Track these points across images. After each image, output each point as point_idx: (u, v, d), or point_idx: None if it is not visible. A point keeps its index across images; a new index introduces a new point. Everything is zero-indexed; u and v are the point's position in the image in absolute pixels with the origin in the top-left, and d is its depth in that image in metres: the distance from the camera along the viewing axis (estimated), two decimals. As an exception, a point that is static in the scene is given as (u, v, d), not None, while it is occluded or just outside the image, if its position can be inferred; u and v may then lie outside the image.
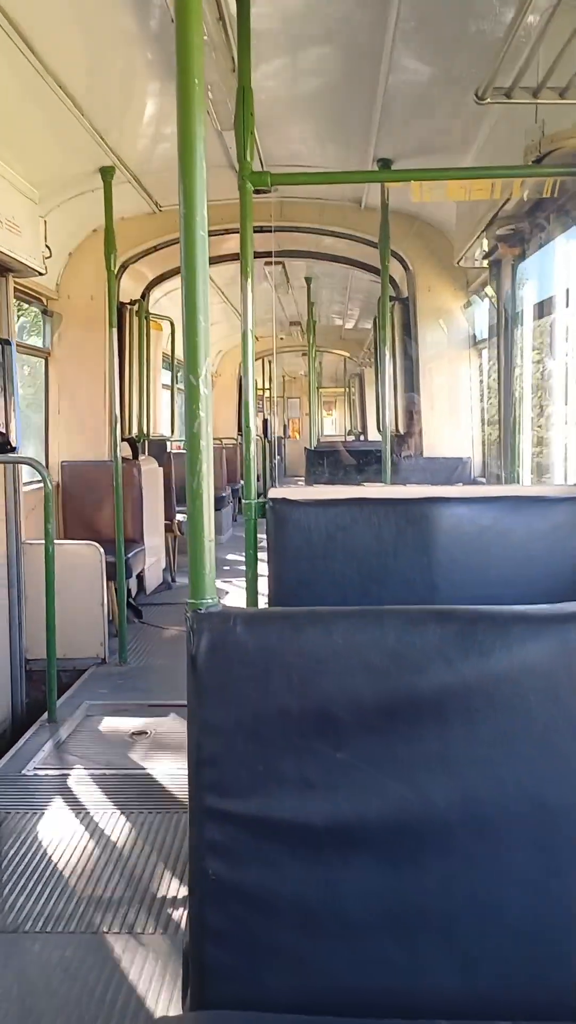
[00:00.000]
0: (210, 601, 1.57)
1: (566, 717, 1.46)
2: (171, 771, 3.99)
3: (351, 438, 18.08)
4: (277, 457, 16.92)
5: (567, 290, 3.96)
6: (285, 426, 23.47)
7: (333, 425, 25.05)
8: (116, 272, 5.92)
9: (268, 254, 7.64)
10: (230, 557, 9.64)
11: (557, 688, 1.46)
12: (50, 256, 5.72)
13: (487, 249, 4.96)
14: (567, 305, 4.01)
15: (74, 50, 3.98)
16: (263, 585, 3.14)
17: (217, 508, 11.53)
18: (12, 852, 3.31)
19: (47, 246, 5.58)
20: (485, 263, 5.31)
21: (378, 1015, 1.46)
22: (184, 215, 1.45)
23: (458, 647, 1.46)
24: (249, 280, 3.43)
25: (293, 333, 14.44)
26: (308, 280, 9.49)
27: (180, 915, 2.89)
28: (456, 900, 1.48)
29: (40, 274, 5.43)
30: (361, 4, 3.57)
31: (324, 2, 3.56)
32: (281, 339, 15.05)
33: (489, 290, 5.23)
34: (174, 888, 3.06)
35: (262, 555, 3.17)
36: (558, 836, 1.47)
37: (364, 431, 16.40)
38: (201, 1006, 1.51)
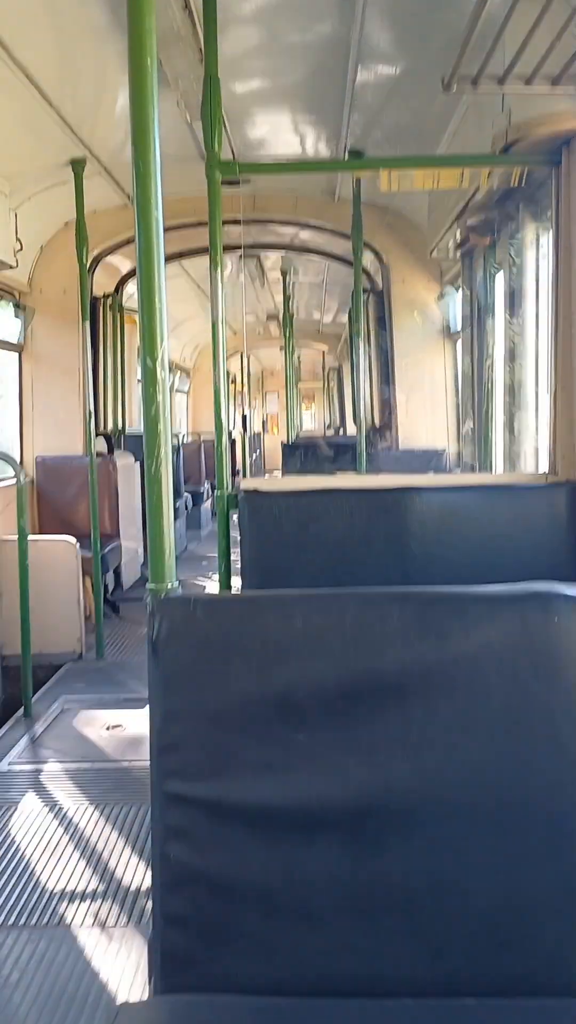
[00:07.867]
0: (170, 586, 1.56)
1: (525, 698, 1.46)
2: (146, 764, 3.96)
3: (330, 432, 18.07)
4: (255, 453, 16.88)
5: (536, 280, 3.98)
6: (264, 422, 23.43)
7: (312, 420, 25.00)
8: (89, 265, 5.87)
9: (241, 247, 7.61)
10: (211, 554, 9.60)
11: (516, 669, 1.45)
12: (21, 249, 5.68)
13: (459, 240, 4.96)
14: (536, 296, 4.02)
15: (43, 42, 3.93)
16: (237, 579, 3.13)
17: (196, 504, 11.49)
18: (-15, 847, 3.29)
19: (18, 239, 5.53)
20: (458, 254, 5.30)
21: (343, 996, 1.46)
22: (138, 195, 1.43)
23: (417, 628, 1.46)
24: (219, 270, 3.41)
25: (270, 327, 14.38)
26: (284, 273, 9.44)
27: (150, 906, 2.88)
28: (419, 881, 1.48)
29: (11, 267, 5.38)
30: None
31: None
32: (258, 333, 14.99)
33: (462, 281, 5.23)
34: (145, 879, 3.05)
35: (236, 547, 3.16)
36: (519, 816, 1.47)
37: (343, 425, 16.40)
38: (165, 991, 1.50)
